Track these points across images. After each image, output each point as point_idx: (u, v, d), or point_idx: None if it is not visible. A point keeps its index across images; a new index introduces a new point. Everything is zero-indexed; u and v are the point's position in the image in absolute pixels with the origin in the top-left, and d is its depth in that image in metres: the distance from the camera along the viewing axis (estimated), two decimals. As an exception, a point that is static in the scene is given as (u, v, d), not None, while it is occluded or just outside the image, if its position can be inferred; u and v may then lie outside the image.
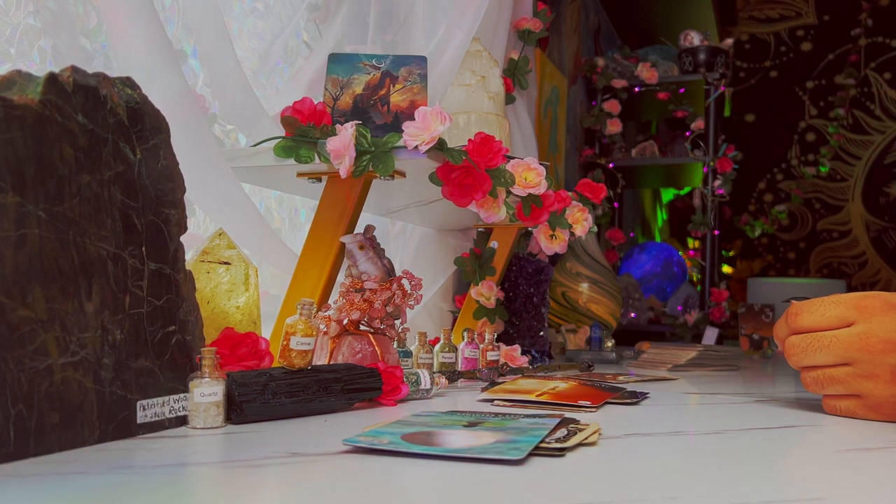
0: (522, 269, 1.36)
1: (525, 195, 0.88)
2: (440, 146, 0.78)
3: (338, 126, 0.79)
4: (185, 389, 0.55)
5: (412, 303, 0.80)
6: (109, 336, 0.49)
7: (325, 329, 0.78)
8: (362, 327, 0.79)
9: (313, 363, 0.64)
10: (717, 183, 2.50)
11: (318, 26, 1.27)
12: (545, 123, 2.10)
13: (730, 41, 2.61)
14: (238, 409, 0.56)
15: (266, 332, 0.82)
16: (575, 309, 1.63)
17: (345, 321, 0.78)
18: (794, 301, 0.71)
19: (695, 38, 2.56)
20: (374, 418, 0.61)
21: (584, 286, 1.63)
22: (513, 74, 1.61)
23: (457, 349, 0.99)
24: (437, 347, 0.97)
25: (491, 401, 0.73)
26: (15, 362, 0.42)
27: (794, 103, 3.66)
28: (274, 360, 0.67)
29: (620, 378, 1.00)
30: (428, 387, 0.74)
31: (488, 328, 1.10)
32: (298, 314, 0.62)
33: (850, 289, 3.18)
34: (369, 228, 0.82)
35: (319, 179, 0.88)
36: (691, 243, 3.33)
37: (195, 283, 0.59)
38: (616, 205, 2.76)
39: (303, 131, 0.81)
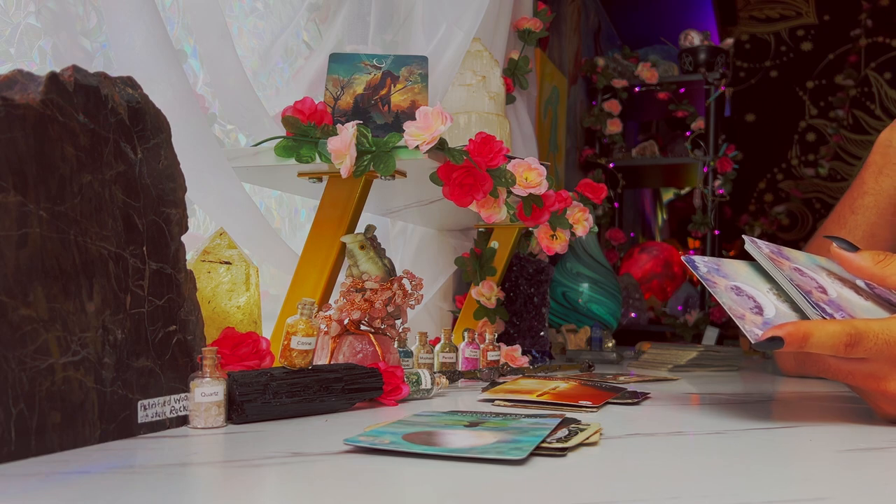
0: (523, 269, 1.36)
1: (526, 195, 0.88)
2: (441, 146, 0.78)
3: (339, 126, 0.79)
4: (186, 389, 0.55)
5: (413, 303, 0.80)
6: (110, 336, 0.49)
7: (325, 329, 0.78)
8: (363, 327, 0.79)
9: (314, 363, 0.64)
10: (718, 183, 2.50)
11: (318, 26, 1.27)
12: (545, 123, 2.10)
13: (730, 41, 2.61)
14: (239, 408, 0.56)
15: (267, 331, 0.82)
16: (575, 309, 1.63)
17: (345, 321, 0.78)
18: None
19: (695, 38, 2.56)
20: (375, 418, 0.61)
21: (585, 286, 1.63)
22: (513, 74, 1.61)
23: (457, 349, 0.99)
24: (437, 347, 0.97)
25: (492, 401, 0.73)
26: (16, 362, 0.42)
27: (795, 103, 3.66)
28: (275, 359, 0.67)
29: (621, 378, 1.00)
30: (429, 387, 0.74)
31: (489, 328, 1.10)
32: (299, 314, 0.62)
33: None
34: (370, 228, 0.82)
35: (320, 179, 0.88)
36: (691, 243, 3.33)
37: (196, 283, 0.59)
38: (616, 205, 2.76)
39: (304, 131, 0.81)
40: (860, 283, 0.68)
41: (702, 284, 2.57)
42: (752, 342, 0.58)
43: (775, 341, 0.57)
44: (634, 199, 3.42)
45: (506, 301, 1.34)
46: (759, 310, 0.61)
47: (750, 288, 0.64)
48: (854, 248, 0.65)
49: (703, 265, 0.65)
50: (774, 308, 0.62)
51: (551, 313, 1.63)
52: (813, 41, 3.63)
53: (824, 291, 0.63)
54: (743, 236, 0.68)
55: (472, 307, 1.29)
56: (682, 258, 0.67)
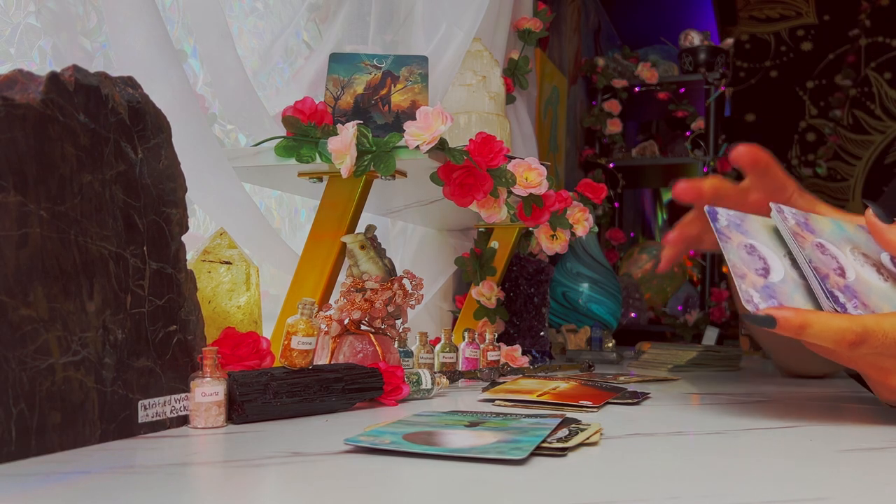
0: (523, 269, 1.36)
1: (526, 195, 0.88)
2: (441, 146, 0.79)
3: (339, 126, 0.79)
4: (187, 389, 0.55)
5: (413, 303, 0.80)
6: (111, 335, 0.49)
7: (326, 329, 0.78)
8: (363, 327, 0.79)
9: (314, 363, 0.64)
10: (718, 183, 2.50)
11: (318, 26, 1.27)
12: (545, 123, 2.10)
13: (730, 41, 2.61)
14: (239, 408, 0.56)
15: (267, 331, 0.82)
16: (575, 309, 1.63)
17: (346, 321, 0.78)
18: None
19: (695, 38, 2.56)
20: (376, 418, 0.61)
21: (585, 286, 1.63)
22: (513, 74, 1.61)
23: (458, 349, 0.99)
24: (437, 347, 0.97)
25: (492, 401, 0.73)
26: (17, 362, 0.42)
27: (795, 103, 3.66)
28: (275, 359, 0.67)
29: (621, 378, 1.00)
30: (429, 387, 0.74)
31: (489, 328, 1.10)
32: (299, 314, 0.62)
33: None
34: (370, 228, 0.82)
35: (320, 179, 0.88)
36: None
37: (196, 283, 0.59)
38: (616, 205, 2.76)
39: (304, 131, 0.81)
40: (885, 257, 0.65)
41: (702, 284, 2.58)
42: (745, 311, 0.55)
43: (769, 320, 0.55)
44: (634, 199, 3.42)
45: (506, 301, 1.34)
46: (765, 272, 0.59)
47: (765, 248, 0.61)
48: (889, 220, 0.61)
49: (724, 218, 0.62)
50: (783, 272, 0.60)
51: (551, 313, 1.63)
52: (813, 41, 3.63)
53: (842, 274, 0.60)
54: (770, 204, 0.64)
55: (472, 307, 1.29)
56: (704, 208, 0.62)
